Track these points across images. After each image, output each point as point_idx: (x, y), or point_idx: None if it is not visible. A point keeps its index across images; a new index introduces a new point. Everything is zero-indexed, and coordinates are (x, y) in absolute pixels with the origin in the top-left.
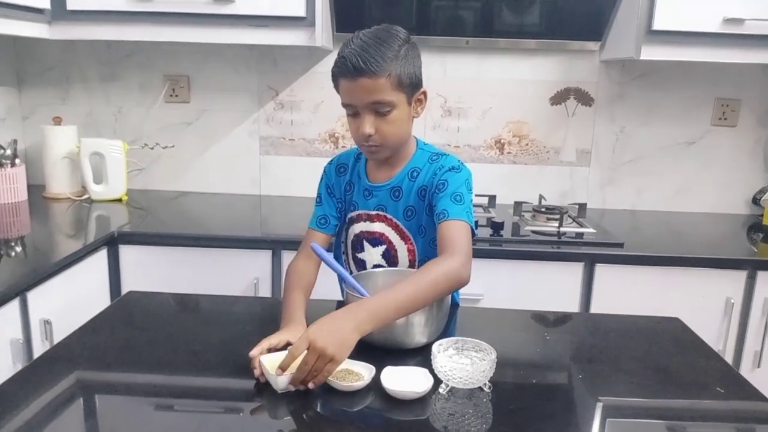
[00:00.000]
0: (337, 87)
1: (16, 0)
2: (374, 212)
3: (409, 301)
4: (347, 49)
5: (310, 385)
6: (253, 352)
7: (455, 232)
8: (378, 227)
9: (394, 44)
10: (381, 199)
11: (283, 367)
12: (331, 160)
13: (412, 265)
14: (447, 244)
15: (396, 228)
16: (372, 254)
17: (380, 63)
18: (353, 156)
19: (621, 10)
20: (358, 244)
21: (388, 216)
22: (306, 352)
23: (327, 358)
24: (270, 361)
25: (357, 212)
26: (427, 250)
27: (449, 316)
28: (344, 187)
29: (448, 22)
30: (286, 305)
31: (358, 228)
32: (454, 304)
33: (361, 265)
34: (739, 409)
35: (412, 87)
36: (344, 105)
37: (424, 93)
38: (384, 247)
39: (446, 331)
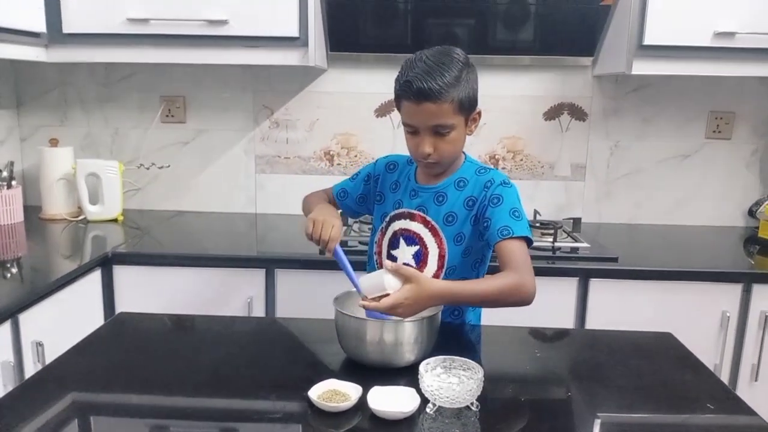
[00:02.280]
0: (398, 106)
1: (12, 24)
2: (415, 211)
3: (481, 298)
4: (411, 72)
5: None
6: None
7: (519, 254)
8: (415, 227)
9: (455, 69)
10: (424, 200)
11: (368, 307)
12: (385, 156)
13: (438, 270)
14: (513, 263)
15: (433, 231)
16: (405, 252)
17: (444, 89)
18: (405, 160)
19: (612, 25)
20: (395, 241)
21: (428, 218)
22: (389, 293)
23: (396, 314)
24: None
25: (401, 210)
26: (458, 259)
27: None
28: (390, 185)
29: (442, 39)
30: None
31: (398, 225)
32: (475, 325)
33: (392, 260)
34: (730, 424)
35: (470, 108)
36: (404, 123)
37: (479, 112)
38: (417, 247)
39: (447, 349)
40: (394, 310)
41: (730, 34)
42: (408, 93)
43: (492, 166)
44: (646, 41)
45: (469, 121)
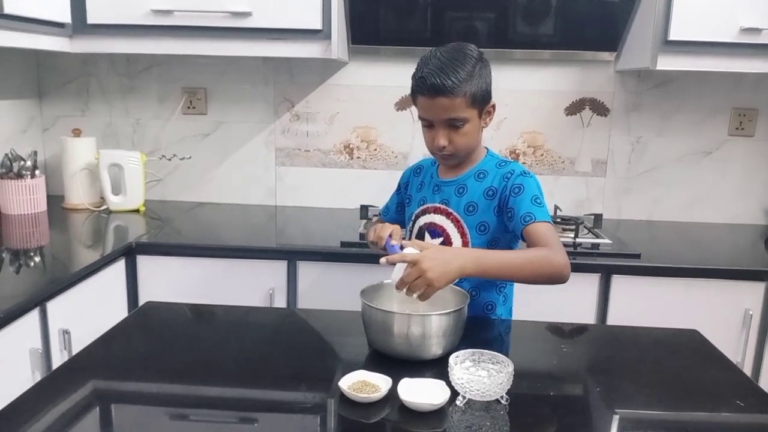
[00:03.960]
0: (414, 101)
1: (37, 14)
2: (438, 205)
3: (510, 266)
4: (426, 68)
5: (414, 295)
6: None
7: (547, 233)
8: (439, 219)
9: (468, 64)
10: (446, 194)
11: (390, 261)
12: (413, 164)
13: None
14: (542, 241)
15: (455, 222)
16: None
17: (457, 84)
18: (430, 162)
19: (636, 20)
20: (421, 235)
21: (450, 210)
22: (412, 264)
23: (426, 280)
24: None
25: (426, 205)
26: (480, 247)
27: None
28: (416, 187)
29: (462, 33)
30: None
31: (422, 220)
32: (506, 319)
33: None
34: (759, 422)
35: (484, 102)
36: (421, 118)
37: (493, 105)
38: (441, 239)
39: (473, 343)
40: (420, 266)
41: (756, 30)
42: (423, 88)
43: (512, 160)
44: (672, 36)
45: (483, 114)
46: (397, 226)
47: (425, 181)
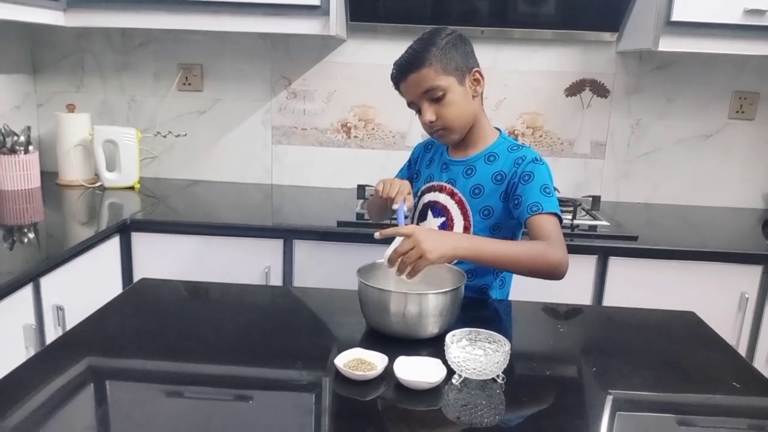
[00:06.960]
0: (399, 91)
1: None
2: (444, 184)
3: (505, 256)
4: (399, 58)
5: (405, 273)
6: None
7: (551, 226)
8: (443, 199)
9: (435, 38)
10: (454, 173)
11: (383, 234)
12: (424, 140)
13: None
14: (543, 235)
15: (459, 203)
16: (431, 224)
17: (420, 56)
18: None
19: (639, 0)
20: (424, 213)
21: (455, 190)
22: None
23: (420, 251)
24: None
25: (431, 183)
26: (486, 234)
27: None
28: (426, 163)
29: (463, 11)
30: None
31: (427, 197)
32: (503, 299)
33: None
34: (755, 405)
35: (460, 69)
36: (408, 105)
37: (478, 72)
38: (443, 219)
39: (470, 322)
40: (415, 237)
41: (760, 12)
42: (395, 73)
43: (525, 144)
44: (674, 17)
45: (468, 83)
46: (406, 182)
47: (435, 157)
